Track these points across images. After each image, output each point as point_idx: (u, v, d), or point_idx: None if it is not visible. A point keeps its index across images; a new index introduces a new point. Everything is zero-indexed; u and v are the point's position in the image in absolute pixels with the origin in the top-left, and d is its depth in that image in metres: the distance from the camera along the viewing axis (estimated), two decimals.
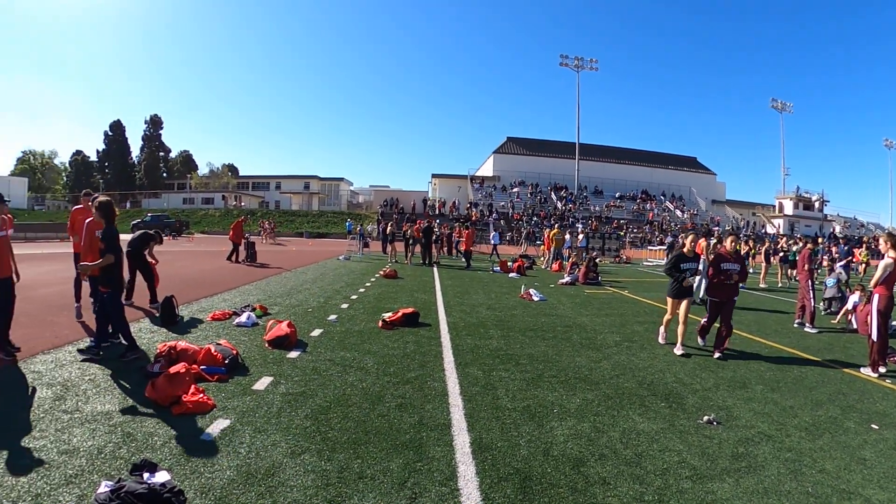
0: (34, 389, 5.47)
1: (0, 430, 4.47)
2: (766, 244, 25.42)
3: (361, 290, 13.81)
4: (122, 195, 75.05)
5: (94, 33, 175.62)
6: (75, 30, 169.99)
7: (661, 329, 8.63)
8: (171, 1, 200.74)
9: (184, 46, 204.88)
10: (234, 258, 20.71)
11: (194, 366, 5.90)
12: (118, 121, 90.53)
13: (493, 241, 30.18)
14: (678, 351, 7.75)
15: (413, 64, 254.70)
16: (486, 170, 70.15)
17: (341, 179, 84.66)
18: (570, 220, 52.35)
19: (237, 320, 8.85)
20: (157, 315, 9.15)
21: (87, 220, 7.48)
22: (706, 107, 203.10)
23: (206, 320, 9.13)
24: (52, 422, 4.66)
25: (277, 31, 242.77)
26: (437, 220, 38.44)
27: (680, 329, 7.92)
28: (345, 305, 11.08)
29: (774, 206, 73.76)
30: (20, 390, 5.50)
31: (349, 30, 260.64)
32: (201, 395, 5.25)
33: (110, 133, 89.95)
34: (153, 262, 10.68)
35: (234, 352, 6.46)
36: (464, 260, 22.90)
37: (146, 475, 3.68)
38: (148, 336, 7.93)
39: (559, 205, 60.37)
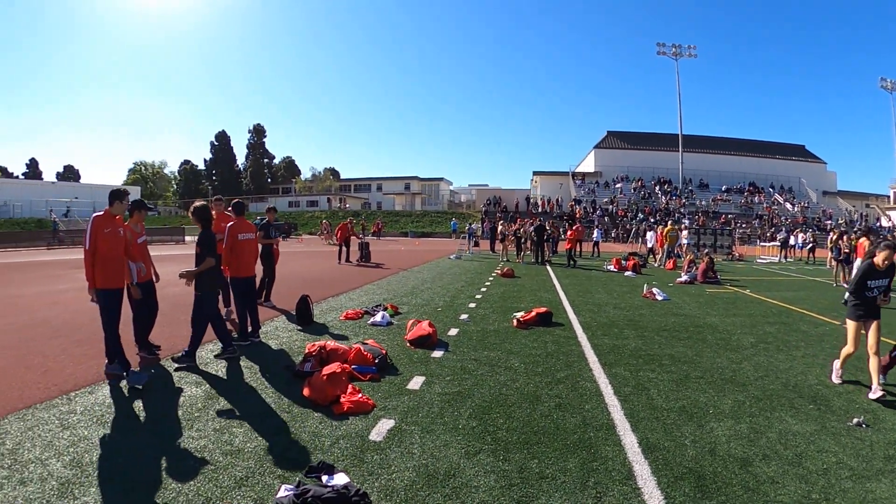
0: (180, 389, 5.67)
1: (155, 432, 4.56)
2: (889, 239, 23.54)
3: (483, 289, 13.96)
4: (230, 200, 79.09)
5: (196, 49, 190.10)
6: (179, 48, 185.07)
7: (837, 364, 6.33)
8: (267, 14, 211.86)
9: (283, 57, 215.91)
10: (341, 259, 21.30)
11: (345, 365, 5.93)
12: (223, 131, 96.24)
13: (595, 239, 29.71)
14: (874, 395, 5.62)
15: (507, 61, 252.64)
16: (588, 165, 68.62)
17: (441, 179, 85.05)
18: (676, 215, 50.33)
19: (372, 320, 9.05)
20: (294, 314, 9.37)
21: (229, 225, 7.75)
22: (811, 90, 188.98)
23: (340, 320, 9.35)
24: (209, 422, 4.76)
25: (369, 36, 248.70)
26: (541, 219, 38.28)
27: (872, 364, 5.79)
28: (472, 305, 11.19)
29: (889, 197, 67.62)
30: (168, 389, 5.69)
31: (442, 32, 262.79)
32: (360, 394, 5.26)
33: (216, 143, 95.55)
34: (275, 242, 11.15)
35: (383, 351, 6.57)
36: (571, 259, 22.36)
37: (325, 477, 3.65)
38: (286, 335, 8.21)
39: (664, 200, 58.31)
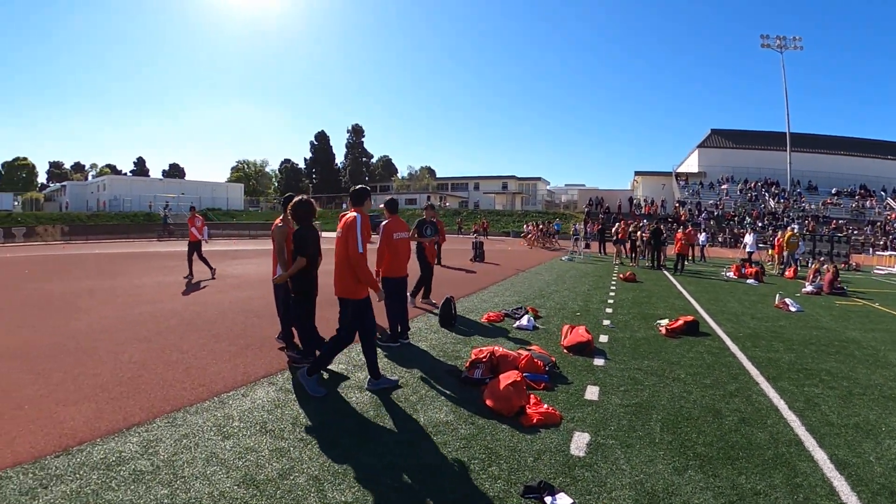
0: (340, 394, 5.52)
1: (329, 443, 4.31)
2: None
3: (612, 293, 13.94)
4: (329, 198, 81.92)
5: (296, 53, 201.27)
6: (279, 52, 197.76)
7: None
8: (364, 15, 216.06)
9: (380, 57, 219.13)
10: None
11: (519, 373, 5.73)
12: (322, 131, 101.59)
13: (701, 243, 28.86)
14: None
15: (602, 56, 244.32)
16: (690, 165, 65.77)
17: (538, 179, 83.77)
18: (785, 219, 47.56)
19: (517, 323, 9.04)
20: (436, 315, 9.28)
21: (384, 223, 7.74)
22: None
23: (481, 321, 9.41)
24: (386, 432, 4.55)
25: (462, 35, 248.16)
26: (644, 220, 37.34)
27: None
28: (609, 310, 11.16)
29: None
30: (330, 395, 5.49)
31: (534, 29, 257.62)
32: (545, 405, 5.11)
33: (316, 142, 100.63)
34: (429, 241, 10.65)
35: (552, 359, 6.54)
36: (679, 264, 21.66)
37: (548, 498, 3.49)
38: (433, 336, 8.22)
39: (772, 203, 54.85)
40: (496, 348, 6.51)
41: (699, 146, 65.86)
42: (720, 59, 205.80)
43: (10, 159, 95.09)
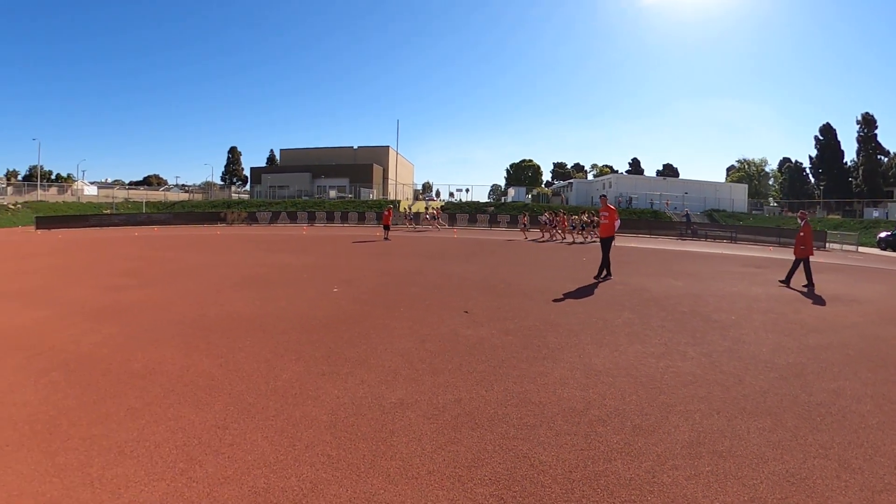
0: None
1: None
2: None
3: None
4: (837, 203, 67.39)
5: (784, 38, 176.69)
6: (770, 44, 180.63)
7: None
8: None
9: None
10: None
11: None
12: (827, 124, 79.76)
13: None
14: None
15: None
16: None
17: None
18: None
19: None
20: None
21: None
22: None
23: None
24: None
25: None
26: None
27: None
28: None
29: None
30: None
31: None
32: None
33: (821, 137, 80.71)
34: None
35: None
36: None
37: None
38: None
39: None
40: None
41: None
42: None
43: (517, 161, 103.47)
